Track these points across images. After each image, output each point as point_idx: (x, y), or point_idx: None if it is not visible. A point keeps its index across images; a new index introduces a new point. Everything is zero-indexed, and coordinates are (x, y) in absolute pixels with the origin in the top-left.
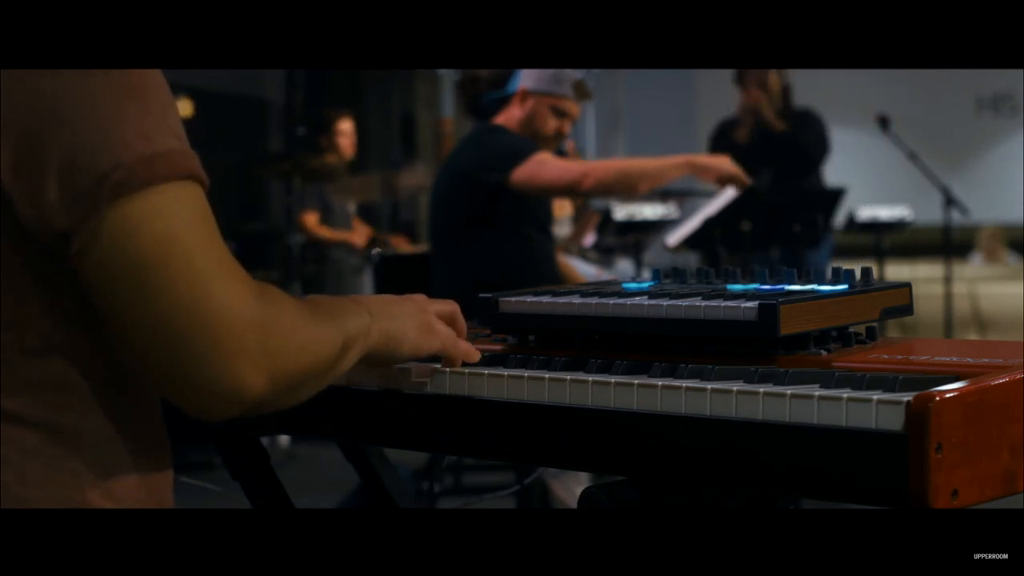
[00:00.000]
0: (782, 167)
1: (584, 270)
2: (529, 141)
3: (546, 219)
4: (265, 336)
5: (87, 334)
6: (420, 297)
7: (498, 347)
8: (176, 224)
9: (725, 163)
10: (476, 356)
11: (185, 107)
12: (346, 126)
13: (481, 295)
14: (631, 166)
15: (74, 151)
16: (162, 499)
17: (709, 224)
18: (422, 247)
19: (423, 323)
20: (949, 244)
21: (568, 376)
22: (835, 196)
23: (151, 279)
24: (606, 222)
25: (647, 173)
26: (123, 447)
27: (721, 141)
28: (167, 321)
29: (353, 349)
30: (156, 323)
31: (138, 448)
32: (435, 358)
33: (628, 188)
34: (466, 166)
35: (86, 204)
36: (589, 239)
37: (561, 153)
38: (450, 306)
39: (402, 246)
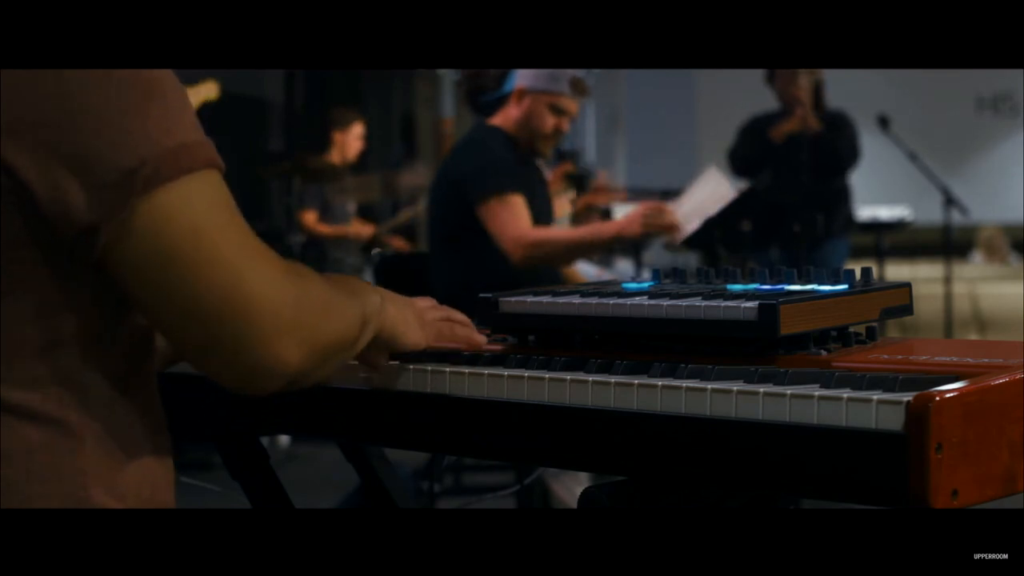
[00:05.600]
0: (812, 169)
1: (584, 270)
2: (512, 173)
3: (546, 220)
4: (299, 311)
5: (94, 331)
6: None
7: (498, 347)
8: (203, 213)
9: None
10: (482, 340)
11: (211, 89)
12: (359, 129)
13: (481, 295)
14: (573, 239)
15: (99, 147)
16: (165, 497)
17: (709, 224)
18: (420, 246)
19: (418, 316)
20: (949, 244)
21: (568, 376)
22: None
23: (185, 269)
24: None
25: (585, 245)
26: (127, 443)
27: (754, 136)
28: (204, 308)
29: (369, 326)
30: (194, 311)
31: (142, 444)
32: (421, 354)
33: (567, 261)
34: (457, 176)
35: (114, 198)
36: None
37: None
38: (430, 302)
39: (400, 247)
